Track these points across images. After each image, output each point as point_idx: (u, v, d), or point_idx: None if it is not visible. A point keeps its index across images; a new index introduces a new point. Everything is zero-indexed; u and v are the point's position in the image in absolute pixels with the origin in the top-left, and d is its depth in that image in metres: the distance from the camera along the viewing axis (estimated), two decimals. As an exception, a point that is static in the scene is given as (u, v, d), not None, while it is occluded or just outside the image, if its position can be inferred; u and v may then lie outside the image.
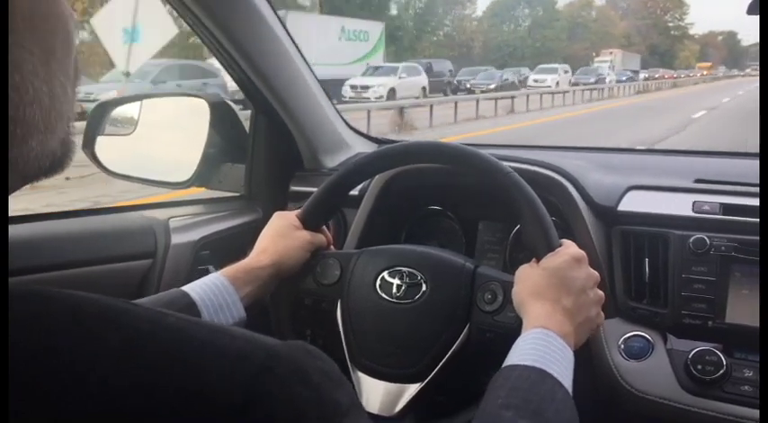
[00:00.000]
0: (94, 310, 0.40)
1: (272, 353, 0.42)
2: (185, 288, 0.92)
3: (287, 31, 1.42)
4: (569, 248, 0.90)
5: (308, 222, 1.05)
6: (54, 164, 0.47)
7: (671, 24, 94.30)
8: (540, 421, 0.66)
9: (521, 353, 0.78)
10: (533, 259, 0.91)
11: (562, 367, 0.76)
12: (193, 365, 0.39)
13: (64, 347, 0.38)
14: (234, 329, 0.44)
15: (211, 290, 0.91)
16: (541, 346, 0.77)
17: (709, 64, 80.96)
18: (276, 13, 1.37)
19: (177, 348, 0.40)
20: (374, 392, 0.96)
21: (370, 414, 0.93)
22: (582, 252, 0.90)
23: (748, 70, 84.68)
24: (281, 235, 1.02)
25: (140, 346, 0.39)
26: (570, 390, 0.75)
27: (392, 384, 0.96)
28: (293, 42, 1.44)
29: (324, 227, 1.09)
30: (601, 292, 0.90)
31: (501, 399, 0.69)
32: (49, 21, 0.44)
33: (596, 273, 0.90)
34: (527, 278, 0.89)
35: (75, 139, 0.49)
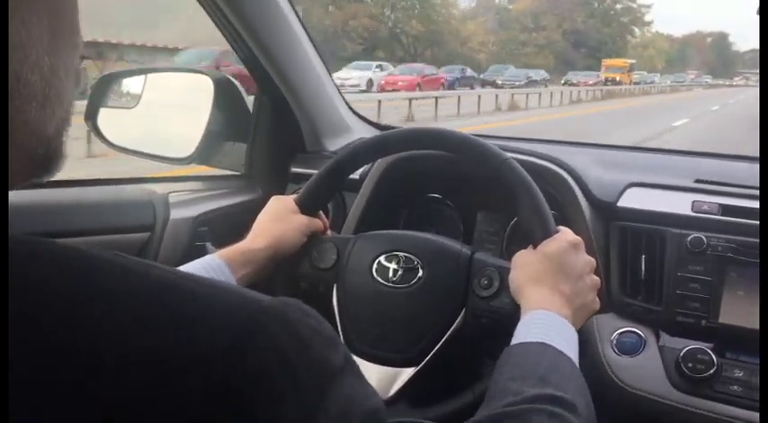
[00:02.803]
0: (82, 261, 0.40)
1: (262, 307, 0.41)
2: (181, 269, 0.92)
3: (296, 12, 1.41)
4: (566, 234, 0.91)
5: (305, 206, 1.05)
6: (48, 155, 0.46)
7: (619, 6, 68.60)
8: (546, 386, 0.66)
9: (522, 333, 0.79)
10: (530, 245, 0.91)
11: (565, 341, 0.77)
12: (181, 317, 0.39)
13: (50, 298, 0.38)
14: (224, 284, 0.44)
15: (207, 271, 0.91)
16: (542, 324, 0.79)
17: (624, 62, 50.77)
18: None
19: (165, 300, 0.40)
20: (369, 377, 0.96)
21: None
22: (578, 238, 0.91)
23: (737, 79, 67.10)
24: (278, 218, 1.02)
25: (127, 297, 0.39)
26: (576, 361, 0.75)
27: (387, 368, 0.96)
28: (302, 25, 1.44)
29: (320, 212, 1.09)
30: (597, 278, 0.91)
31: (506, 374, 0.70)
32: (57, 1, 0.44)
33: (592, 259, 0.92)
34: (525, 264, 0.90)
35: (64, 142, 0.48)
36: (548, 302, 0.83)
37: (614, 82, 43.77)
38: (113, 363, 0.36)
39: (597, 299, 0.91)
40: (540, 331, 0.77)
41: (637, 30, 76.06)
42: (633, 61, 53.93)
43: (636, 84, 45.99)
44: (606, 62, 51.26)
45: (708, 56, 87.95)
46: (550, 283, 0.86)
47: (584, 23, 63.99)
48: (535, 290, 0.86)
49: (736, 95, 36.72)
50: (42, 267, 0.39)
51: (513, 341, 0.78)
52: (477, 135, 1.05)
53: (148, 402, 0.36)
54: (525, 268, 0.89)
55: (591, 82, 40.09)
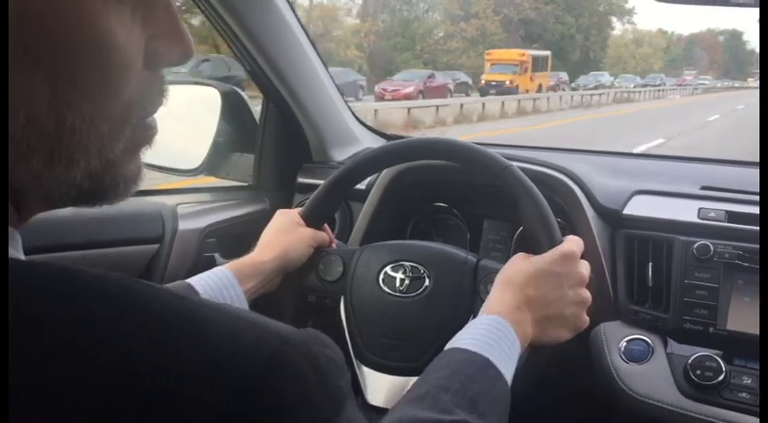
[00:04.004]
0: (116, 292, 0.40)
1: (285, 339, 0.42)
2: (190, 280, 0.92)
3: (301, 24, 1.42)
4: (565, 244, 0.90)
5: (310, 220, 1.06)
6: (84, 195, 0.44)
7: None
8: (474, 411, 0.66)
9: (470, 337, 0.77)
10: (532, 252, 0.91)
11: (507, 358, 0.76)
12: (207, 349, 0.39)
13: (80, 327, 0.37)
14: (247, 313, 0.44)
15: (216, 283, 0.92)
16: (491, 334, 0.77)
17: (521, 54, 31.57)
18: (292, 6, 1.38)
19: (192, 331, 0.40)
20: (379, 386, 0.97)
21: (375, 407, 0.94)
22: (574, 250, 0.90)
23: (750, 80, 56.10)
24: (284, 231, 1.03)
25: (156, 327, 0.39)
26: (509, 382, 0.75)
27: (397, 378, 0.97)
28: (308, 36, 1.45)
29: (326, 225, 1.10)
30: (586, 294, 0.89)
31: (441, 380, 0.70)
32: (59, 39, 0.38)
33: (583, 273, 0.89)
34: (509, 266, 0.90)
35: (118, 177, 0.45)
36: (504, 304, 0.83)
37: (501, 88, 27.29)
38: (136, 394, 0.36)
39: (584, 316, 0.89)
40: (486, 342, 0.76)
41: (615, 20, 58.70)
42: (543, 53, 34.34)
43: (574, 89, 33.35)
44: (491, 55, 32.77)
45: (718, 55, 79.43)
46: (517, 284, 0.85)
47: (537, 11, 45.55)
48: (499, 290, 0.86)
49: (706, 113, 21.69)
50: (76, 295, 0.39)
51: (460, 341, 0.77)
52: (481, 144, 1.06)
53: None
54: (506, 269, 0.90)
55: (407, 91, 23.24)
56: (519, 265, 0.88)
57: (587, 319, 0.90)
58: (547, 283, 0.86)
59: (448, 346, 0.78)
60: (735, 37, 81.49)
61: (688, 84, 47.41)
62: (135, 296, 0.40)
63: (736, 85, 53.83)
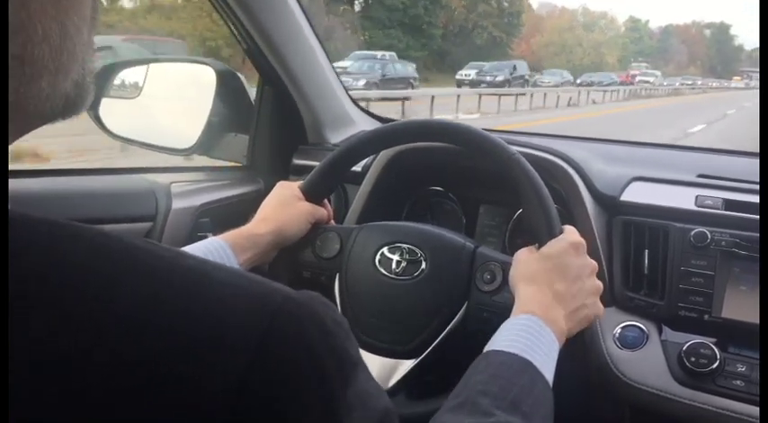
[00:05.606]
0: (119, 248, 0.40)
1: (288, 297, 0.42)
2: (185, 249, 0.91)
3: (300, 5, 1.41)
4: (569, 235, 0.89)
5: (311, 194, 1.05)
6: (68, 105, 0.46)
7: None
8: (515, 413, 0.65)
9: (507, 338, 0.76)
10: (533, 244, 0.90)
11: (546, 358, 0.75)
12: (212, 306, 0.39)
13: (85, 283, 0.37)
14: (249, 274, 0.44)
15: (211, 253, 0.91)
16: (528, 335, 0.76)
17: None
18: None
19: (196, 289, 0.40)
20: (369, 367, 0.96)
21: None
22: (581, 240, 0.89)
23: (736, 79, 44.52)
24: (283, 204, 1.02)
25: (160, 285, 0.39)
26: (551, 381, 0.74)
27: (387, 360, 0.96)
28: (306, 17, 1.43)
29: (325, 201, 1.09)
30: (598, 283, 0.89)
31: (480, 384, 0.68)
32: None
33: (594, 262, 0.89)
34: (522, 262, 0.88)
35: (90, 81, 0.48)
36: (536, 303, 0.81)
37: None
38: (142, 351, 0.36)
39: (599, 303, 0.89)
40: (524, 343, 0.75)
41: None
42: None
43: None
44: None
45: (701, 50, 71.59)
46: (543, 281, 0.84)
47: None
48: (527, 289, 0.84)
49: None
50: (79, 252, 0.39)
51: (496, 345, 0.76)
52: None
53: (180, 388, 0.36)
54: (521, 266, 0.88)
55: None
56: (535, 262, 0.87)
57: (602, 306, 0.89)
58: (569, 277, 0.85)
59: (486, 349, 0.77)
60: (722, 30, 74.76)
61: (587, 82, 32.75)
62: (139, 252, 0.40)
63: (714, 84, 39.00)
